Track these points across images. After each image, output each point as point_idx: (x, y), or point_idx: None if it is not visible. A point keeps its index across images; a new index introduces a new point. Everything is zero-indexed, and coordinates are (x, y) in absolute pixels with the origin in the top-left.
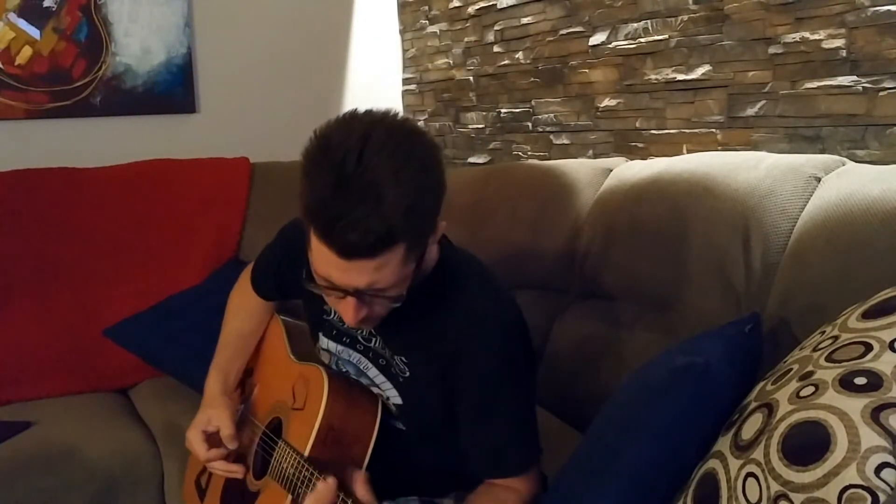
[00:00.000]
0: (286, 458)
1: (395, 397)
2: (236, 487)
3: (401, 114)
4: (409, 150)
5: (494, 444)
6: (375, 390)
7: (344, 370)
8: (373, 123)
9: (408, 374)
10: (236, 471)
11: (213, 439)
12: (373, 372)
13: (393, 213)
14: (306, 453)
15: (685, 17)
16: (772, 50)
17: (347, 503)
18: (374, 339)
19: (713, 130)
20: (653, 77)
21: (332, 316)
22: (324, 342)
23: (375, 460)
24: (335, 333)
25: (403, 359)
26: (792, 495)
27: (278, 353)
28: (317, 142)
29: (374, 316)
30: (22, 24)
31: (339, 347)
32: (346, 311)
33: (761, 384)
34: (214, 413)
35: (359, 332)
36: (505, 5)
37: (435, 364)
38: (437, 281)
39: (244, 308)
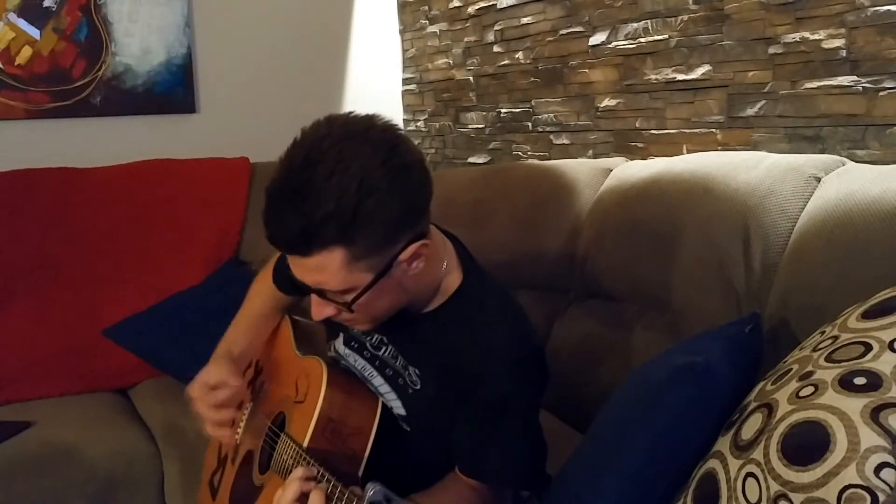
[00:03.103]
0: (287, 451)
1: (398, 408)
2: (244, 483)
3: (388, 121)
4: (361, 154)
5: (481, 446)
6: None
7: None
8: (339, 125)
9: (419, 386)
10: (227, 434)
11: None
12: (378, 381)
13: (315, 213)
14: (305, 444)
15: (685, 17)
16: (772, 50)
17: (328, 479)
18: (384, 348)
19: (713, 130)
20: (653, 77)
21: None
22: (336, 343)
23: (380, 457)
24: (345, 337)
25: (417, 371)
26: (792, 495)
27: (286, 350)
28: (294, 139)
29: (345, 318)
30: (22, 24)
31: (347, 351)
32: (312, 305)
33: (761, 384)
34: (209, 368)
35: (368, 338)
36: (505, 5)
37: (448, 382)
38: (458, 302)
39: (262, 291)
